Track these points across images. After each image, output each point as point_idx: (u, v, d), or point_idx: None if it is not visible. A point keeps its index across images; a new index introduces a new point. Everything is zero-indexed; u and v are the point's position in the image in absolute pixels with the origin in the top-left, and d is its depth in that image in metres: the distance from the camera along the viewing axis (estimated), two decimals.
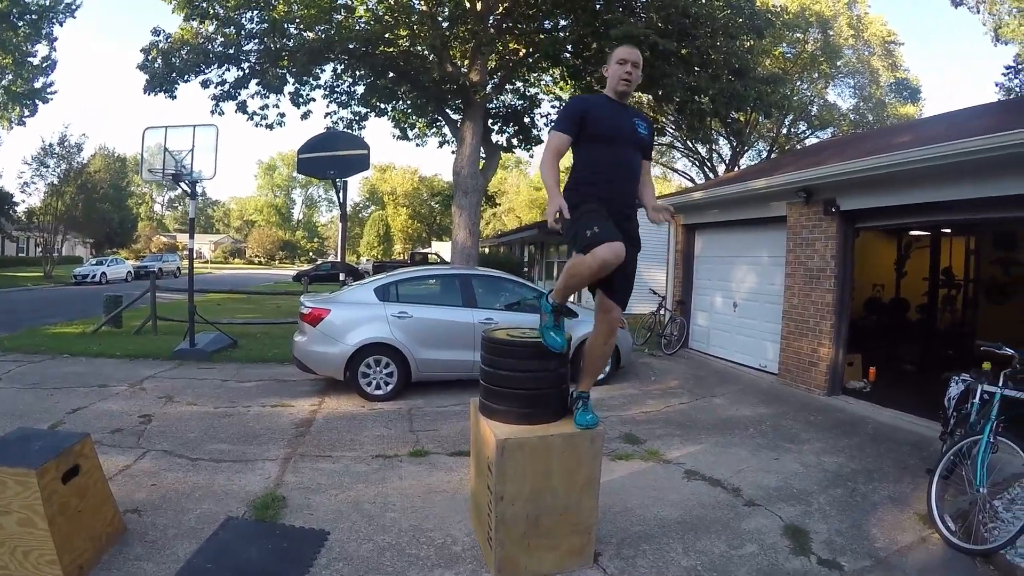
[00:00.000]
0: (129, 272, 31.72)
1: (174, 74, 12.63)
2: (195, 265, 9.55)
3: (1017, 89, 23.00)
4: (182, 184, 8.85)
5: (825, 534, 3.88)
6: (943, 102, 77.30)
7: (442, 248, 36.45)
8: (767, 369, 8.89)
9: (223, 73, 13.32)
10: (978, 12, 24.28)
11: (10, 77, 29.19)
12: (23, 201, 33.63)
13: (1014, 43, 23.56)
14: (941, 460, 4.13)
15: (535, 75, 15.49)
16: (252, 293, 19.59)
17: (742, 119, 17.91)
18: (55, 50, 32.53)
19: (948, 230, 10.59)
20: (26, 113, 30.41)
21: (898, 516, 4.20)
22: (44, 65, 30.54)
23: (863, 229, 7.89)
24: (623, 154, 3.31)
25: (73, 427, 5.47)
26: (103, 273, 29.29)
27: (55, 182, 31.98)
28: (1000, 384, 4.07)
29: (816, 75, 28.55)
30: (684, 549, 3.66)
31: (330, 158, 9.05)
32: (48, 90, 31.02)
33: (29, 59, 29.60)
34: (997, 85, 23.61)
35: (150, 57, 12.62)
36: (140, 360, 8.81)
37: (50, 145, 32.08)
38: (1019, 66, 23.96)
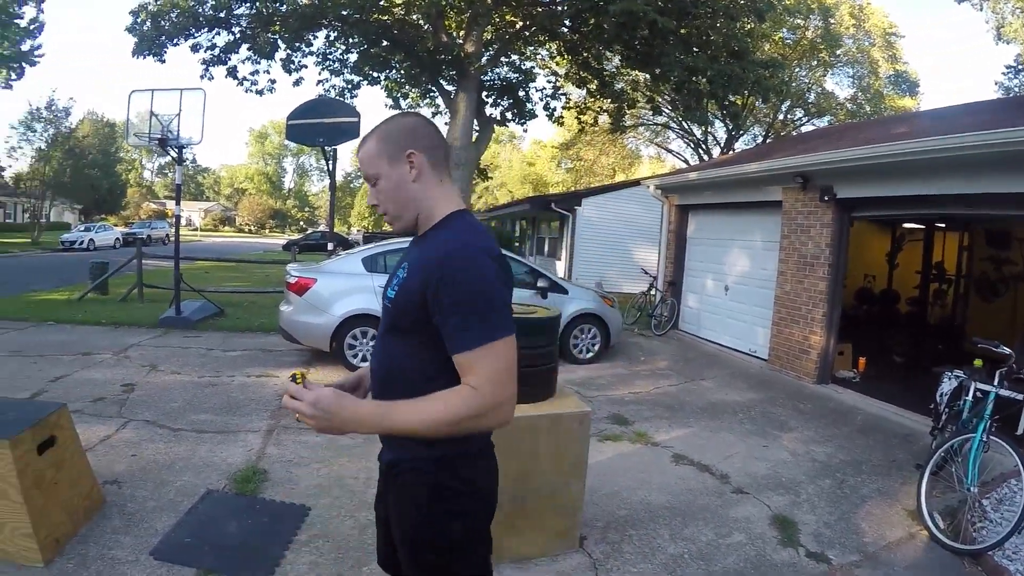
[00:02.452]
0: (117, 239, 31.34)
1: (163, 37, 12.40)
2: (184, 233, 9.37)
3: (1016, 89, 23.01)
4: (169, 149, 8.65)
5: (813, 526, 3.84)
6: (941, 97, 77.29)
7: None
8: (756, 354, 8.88)
9: (213, 37, 13.04)
10: (981, 10, 24.16)
11: None
12: (9, 166, 33.08)
13: (1016, 43, 23.48)
14: (932, 456, 4.09)
15: (531, 48, 15.25)
16: (241, 261, 19.42)
17: (739, 102, 17.77)
18: (42, 11, 31.86)
19: (943, 224, 10.66)
20: (12, 76, 29.82)
21: (887, 510, 4.14)
22: (31, 27, 29.92)
23: (858, 218, 7.83)
24: None
25: (55, 396, 5.37)
26: (91, 240, 28.92)
27: (42, 147, 31.45)
28: (995, 383, 4.00)
29: (815, 62, 28.34)
30: (671, 535, 3.62)
31: (320, 125, 8.84)
32: (35, 53, 30.38)
33: (16, 21, 28.96)
34: (997, 84, 23.61)
35: (139, 19, 12.37)
36: (125, 328, 8.68)
37: (37, 109, 31.54)
38: (1019, 66, 23.91)
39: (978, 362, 5.77)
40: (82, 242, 28.24)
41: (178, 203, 9.40)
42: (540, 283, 7.75)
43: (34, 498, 2.86)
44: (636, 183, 17.00)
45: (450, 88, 13.72)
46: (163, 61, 12.79)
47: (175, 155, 8.82)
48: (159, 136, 8.46)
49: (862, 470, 4.86)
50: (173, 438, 4.51)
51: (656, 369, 8.11)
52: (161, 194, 74.82)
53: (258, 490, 3.71)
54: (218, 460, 4.13)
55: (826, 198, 7.50)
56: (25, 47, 29.62)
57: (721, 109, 14.23)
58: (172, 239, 11.03)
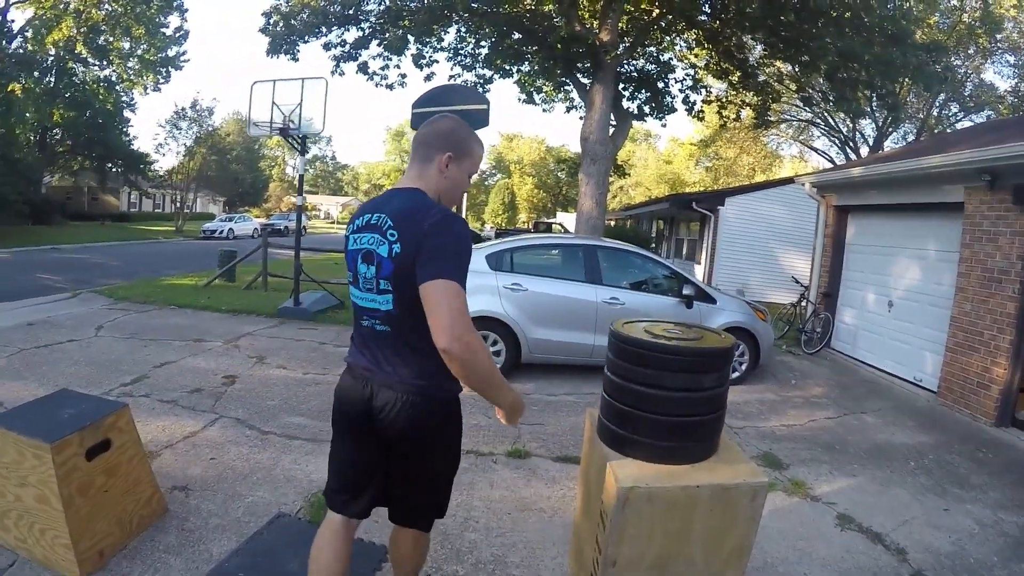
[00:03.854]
0: (256, 229, 33.33)
1: (294, 36, 12.62)
2: (322, 225, 9.32)
3: None
4: (289, 138, 8.59)
5: None
6: None
7: (567, 219, 35.53)
8: (923, 384, 7.51)
9: (343, 34, 13.15)
10: None
11: (144, 47, 31.44)
12: (157, 161, 36.28)
13: None
14: None
15: (668, 38, 14.23)
16: None
17: (899, 91, 15.72)
18: (186, 20, 34.86)
19: None
20: (160, 80, 32.79)
21: None
22: (177, 35, 32.72)
23: None
24: None
25: (155, 383, 5.26)
26: (230, 229, 30.91)
27: (188, 143, 34.13)
28: None
29: (972, 50, 24.94)
30: None
31: (447, 112, 8.35)
32: (181, 58, 33.24)
33: (162, 30, 31.75)
34: None
35: (272, 20, 12.68)
36: (243, 316, 8.73)
37: (182, 109, 34.30)
38: None
39: None
40: (222, 231, 30.23)
41: (300, 192, 9.39)
42: (686, 290, 6.78)
43: (77, 506, 2.51)
44: (787, 181, 15.54)
45: (585, 81, 13.04)
46: (296, 59, 13.07)
47: (297, 144, 8.75)
48: (280, 126, 8.41)
49: None
50: (260, 442, 4.14)
51: (810, 396, 6.97)
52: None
53: None
54: (300, 475, 3.68)
55: (1019, 200, 6.12)
56: (171, 52, 32.41)
57: (878, 99, 12.53)
58: (309, 231, 11.04)
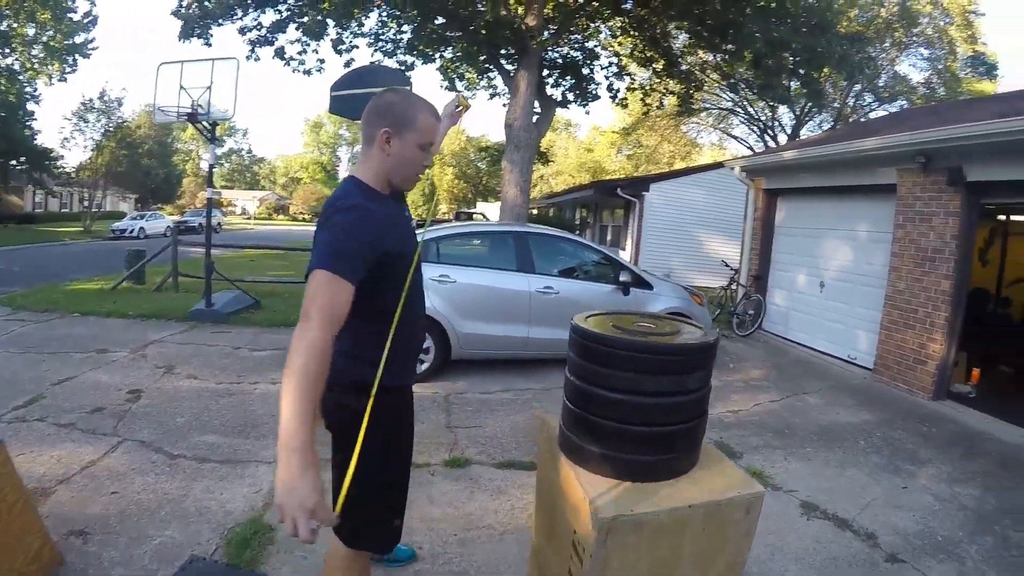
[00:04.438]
0: (168, 227, 31.40)
1: (208, 19, 11.79)
2: (238, 221, 8.59)
3: None
4: (199, 125, 7.87)
5: None
6: (1021, 82, 71.86)
7: (488, 209, 35.30)
8: (857, 362, 7.63)
9: (259, 16, 12.35)
10: None
11: (50, 33, 29.01)
12: (63, 157, 33.63)
13: None
14: None
15: (594, 25, 14.08)
16: (289, 249, 18.64)
17: (821, 79, 16.14)
18: (95, 5, 32.18)
19: None
20: (67, 69, 30.30)
21: None
22: (85, 21, 30.30)
23: (989, 207, 6.51)
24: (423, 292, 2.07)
25: (52, 403, 4.63)
26: (141, 228, 28.99)
27: (96, 137, 31.82)
28: None
29: (888, 43, 26.18)
30: None
31: (366, 95, 7.80)
32: (89, 46, 30.80)
33: (69, 15, 29.34)
34: None
35: (185, 2, 11.79)
36: (152, 321, 7.98)
37: (90, 100, 31.90)
38: None
39: None
40: (132, 230, 28.32)
41: (210, 184, 8.64)
42: (623, 277, 6.55)
43: None
44: (715, 166, 15.77)
45: (509, 67, 12.71)
46: (209, 44, 12.21)
47: (207, 132, 8.03)
48: (189, 111, 7.69)
49: (1021, 521, 3.85)
50: (168, 468, 3.61)
51: (750, 380, 6.91)
52: (218, 184, 76.12)
53: (258, 559, 2.72)
54: (215, 505, 3.19)
55: (953, 182, 6.23)
56: (78, 39, 30.00)
57: (803, 86, 12.80)
58: (224, 228, 10.22)
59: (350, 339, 1.64)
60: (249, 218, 61.24)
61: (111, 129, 32.26)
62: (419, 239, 1.92)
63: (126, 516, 3.02)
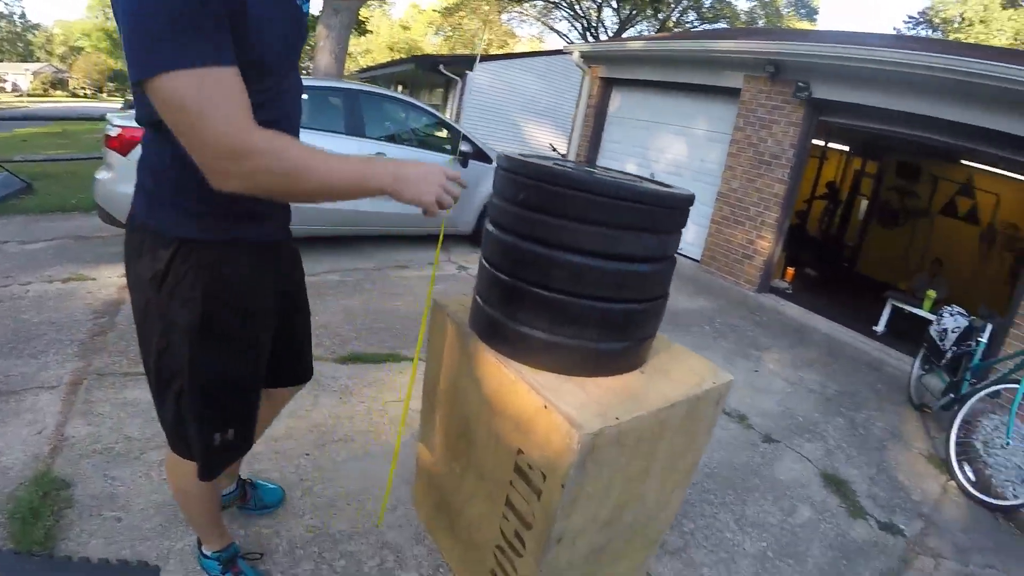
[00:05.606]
0: None
1: None
2: (7, 99, 6.49)
3: None
4: None
5: (862, 484, 3.16)
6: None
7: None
8: (684, 252, 7.91)
9: None
10: None
11: None
12: None
13: None
14: (962, 403, 3.69)
15: None
16: (66, 119, 15.20)
17: None
18: None
19: (847, 148, 10.55)
20: None
21: (908, 457, 3.63)
22: None
23: (825, 123, 6.89)
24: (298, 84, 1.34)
25: None
26: None
27: None
28: None
29: None
30: (736, 522, 2.58)
31: None
32: None
33: None
34: (895, 30, 23.81)
35: None
36: None
37: None
38: (922, 18, 24.08)
39: (931, 293, 6.16)
40: None
41: None
42: (463, 147, 5.95)
43: None
44: (555, 52, 15.15)
45: None
46: None
47: None
48: None
49: (858, 403, 4.28)
50: None
51: None
52: None
53: (55, 533, 1.82)
54: None
55: (799, 95, 6.44)
56: None
57: None
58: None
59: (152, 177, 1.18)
60: (21, 95, 50.54)
61: None
62: None
63: None
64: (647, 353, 1.64)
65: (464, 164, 5.90)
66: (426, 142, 6.05)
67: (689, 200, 1.50)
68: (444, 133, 6.25)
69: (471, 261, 5.79)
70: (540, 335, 1.45)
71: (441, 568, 1.94)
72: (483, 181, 6.02)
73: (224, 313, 1.24)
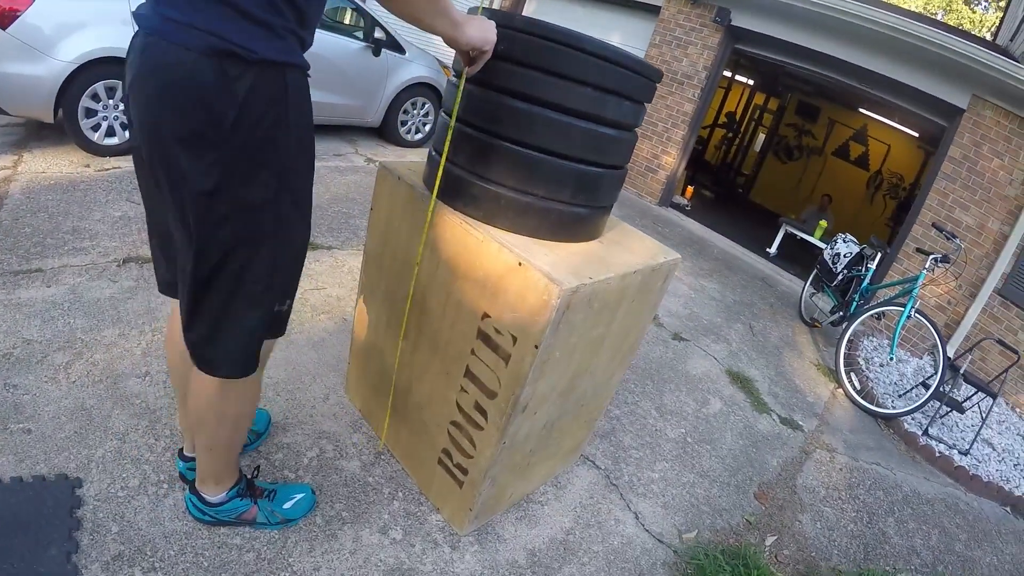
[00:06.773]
0: None
1: None
2: None
3: None
4: None
5: (764, 384, 3.44)
6: None
7: None
8: None
9: None
10: None
11: None
12: None
13: None
14: (850, 322, 4.08)
15: None
16: None
17: None
18: None
19: (751, 82, 10.89)
20: None
21: (803, 365, 3.95)
22: None
23: (738, 51, 7.01)
24: None
25: None
26: None
27: None
28: (926, 267, 3.99)
29: None
30: (657, 411, 2.73)
31: None
32: None
33: None
34: None
35: None
36: None
37: None
38: None
39: (823, 223, 6.63)
40: None
41: None
42: (377, 34, 5.52)
43: None
44: None
45: None
46: None
47: None
48: None
49: (755, 313, 4.60)
50: None
51: None
52: None
53: None
54: None
55: (718, 20, 6.49)
56: None
57: None
58: None
59: None
60: None
61: None
62: None
63: None
64: (604, 224, 1.62)
65: (376, 53, 5.50)
66: (336, 27, 5.56)
67: (655, 74, 1.44)
68: (357, 19, 5.77)
69: (379, 154, 5.51)
70: (512, 194, 1.37)
71: (383, 456, 1.89)
72: (394, 73, 5.66)
73: (310, 148, 1.10)
